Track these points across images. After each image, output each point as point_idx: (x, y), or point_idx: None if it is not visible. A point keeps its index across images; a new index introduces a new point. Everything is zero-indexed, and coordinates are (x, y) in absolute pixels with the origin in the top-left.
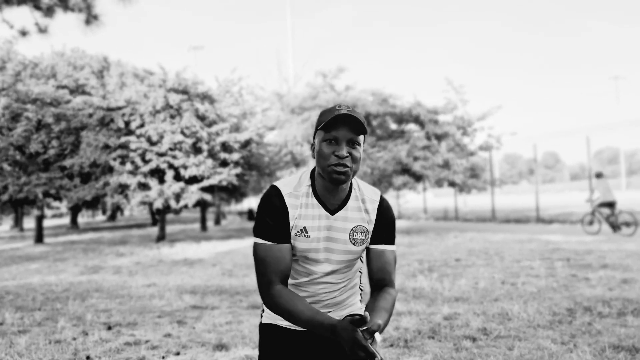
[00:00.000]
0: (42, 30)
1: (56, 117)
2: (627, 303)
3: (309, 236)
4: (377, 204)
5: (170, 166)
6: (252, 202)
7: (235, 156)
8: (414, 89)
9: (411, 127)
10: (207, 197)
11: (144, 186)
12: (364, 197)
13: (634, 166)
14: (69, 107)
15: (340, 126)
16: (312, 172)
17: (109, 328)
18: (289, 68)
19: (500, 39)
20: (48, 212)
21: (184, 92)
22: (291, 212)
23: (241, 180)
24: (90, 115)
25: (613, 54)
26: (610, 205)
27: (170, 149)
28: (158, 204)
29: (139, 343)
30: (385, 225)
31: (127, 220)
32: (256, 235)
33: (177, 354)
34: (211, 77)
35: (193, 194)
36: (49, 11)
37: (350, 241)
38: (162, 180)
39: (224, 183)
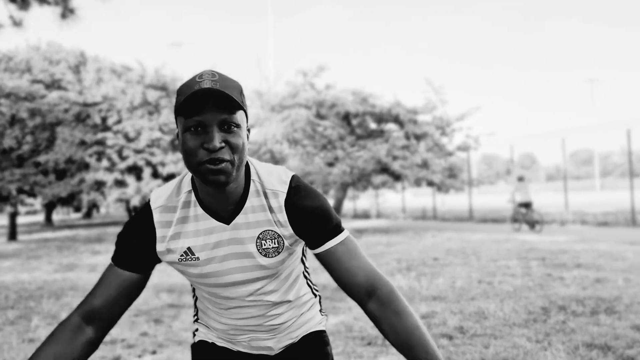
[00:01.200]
0: (17, 24)
1: (31, 112)
2: (600, 302)
3: (198, 258)
4: (284, 196)
5: (148, 163)
6: None
7: None
8: (394, 88)
9: (391, 126)
10: None
11: (120, 183)
12: (265, 189)
13: (608, 167)
14: (44, 102)
15: (204, 105)
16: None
17: None
18: (270, 66)
19: (478, 39)
20: (22, 209)
21: (163, 88)
22: (160, 233)
23: None
24: (66, 111)
25: (589, 55)
26: (527, 205)
27: (148, 146)
28: (135, 201)
29: (114, 342)
30: (310, 220)
31: (103, 218)
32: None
33: (154, 352)
34: (190, 74)
35: None
36: (24, 4)
37: (260, 253)
38: (139, 177)
39: None
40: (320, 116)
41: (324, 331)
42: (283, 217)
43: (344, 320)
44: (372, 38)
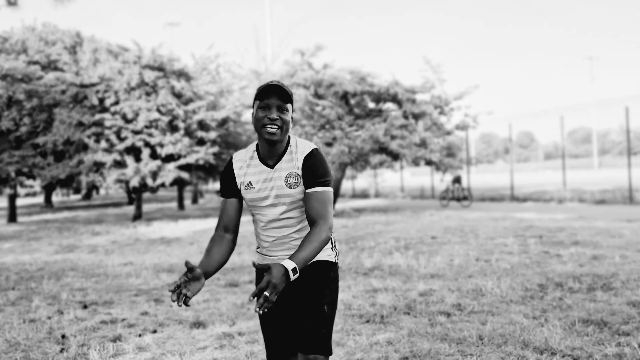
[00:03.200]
0: (12, 3)
1: (28, 93)
2: (597, 279)
3: (254, 188)
4: (306, 153)
5: (147, 144)
6: None
7: (213, 134)
8: (392, 67)
9: (389, 106)
10: (185, 175)
11: (119, 164)
12: (297, 150)
13: (606, 145)
14: (40, 83)
15: (270, 95)
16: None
17: (85, 307)
18: (267, 46)
19: (477, 16)
20: (21, 190)
21: (160, 69)
22: (236, 172)
23: (218, 159)
24: (63, 92)
25: (589, 33)
26: (457, 180)
27: (146, 127)
28: (134, 182)
29: (115, 321)
30: (310, 170)
31: (102, 199)
32: (220, 194)
33: (154, 331)
34: (188, 54)
35: (170, 172)
36: None
37: (286, 185)
38: (138, 159)
39: (201, 162)
40: (318, 96)
41: (331, 261)
42: (300, 163)
43: (342, 298)
44: (370, 15)
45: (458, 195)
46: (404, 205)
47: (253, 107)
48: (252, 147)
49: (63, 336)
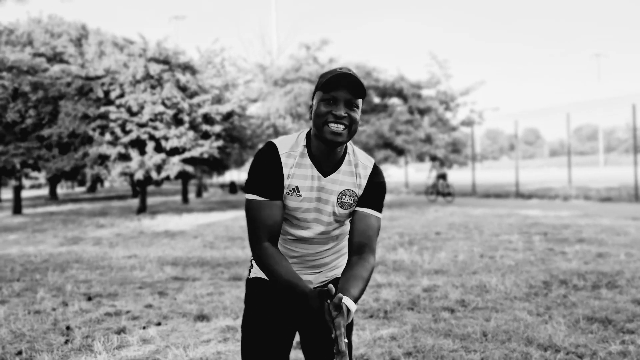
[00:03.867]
0: None
1: (33, 85)
2: (602, 276)
3: (301, 195)
4: (370, 170)
5: (151, 137)
6: (233, 175)
7: (217, 128)
8: (398, 62)
9: (394, 101)
10: (189, 169)
11: (124, 157)
12: (357, 162)
13: (612, 143)
14: (46, 75)
15: (339, 87)
16: (309, 133)
17: (89, 299)
18: (273, 40)
19: (483, 12)
20: (26, 182)
21: (165, 62)
22: (285, 171)
23: (223, 152)
24: (69, 85)
25: (596, 30)
26: (443, 176)
27: (151, 120)
28: (139, 175)
29: (119, 314)
30: (374, 192)
31: (107, 192)
32: (249, 191)
33: (158, 324)
34: (193, 48)
35: (174, 165)
36: None
37: (338, 204)
38: (142, 152)
39: (206, 155)
40: None
41: None
42: (363, 183)
43: None
44: (376, 9)
45: (442, 191)
46: (408, 200)
47: (313, 98)
48: (302, 139)
49: (68, 327)
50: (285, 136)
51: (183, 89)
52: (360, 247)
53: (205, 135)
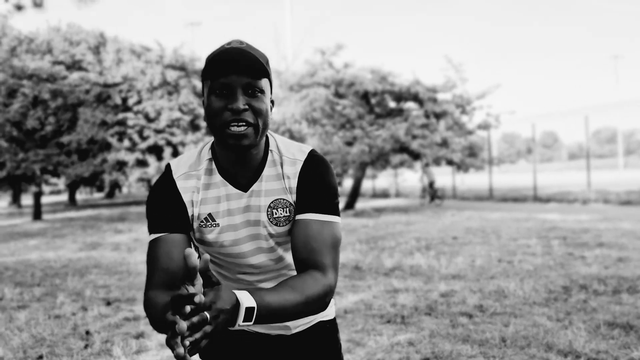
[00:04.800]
0: (38, 4)
1: (53, 93)
2: (622, 281)
3: (218, 224)
4: (300, 164)
5: (168, 143)
6: None
7: None
8: (413, 66)
9: (410, 105)
10: None
11: (142, 163)
12: (282, 159)
13: (631, 146)
14: (65, 83)
15: (229, 69)
16: (214, 143)
17: (108, 304)
18: (287, 45)
19: (501, 16)
20: (46, 188)
21: (182, 68)
22: (186, 197)
23: None
24: (87, 92)
25: (613, 32)
26: (431, 184)
27: (168, 126)
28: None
29: (138, 318)
30: (310, 189)
31: (125, 198)
32: (148, 230)
33: None
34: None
35: None
36: None
37: (271, 221)
38: (160, 157)
39: None
40: (338, 95)
41: (334, 319)
42: (294, 184)
43: (363, 298)
44: (391, 14)
45: (433, 194)
46: (425, 205)
47: (203, 92)
48: (206, 153)
49: (87, 332)
50: (186, 153)
51: (199, 94)
52: (305, 265)
53: None
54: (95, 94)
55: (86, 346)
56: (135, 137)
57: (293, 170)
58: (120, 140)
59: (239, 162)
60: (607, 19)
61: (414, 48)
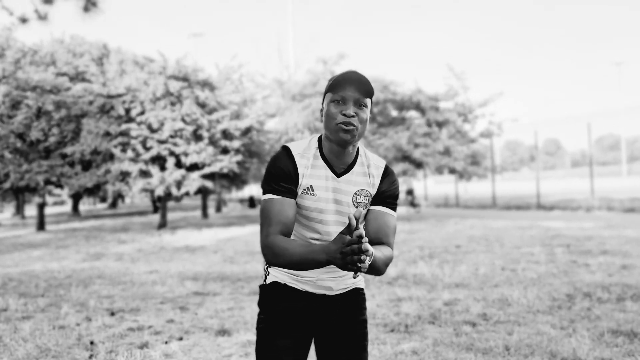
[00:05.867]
0: (42, 17)
1: (56, 104)
2: (626, 289)
3: (316, 194)
4: (382, 169)
5: (171, 153)
6: (252, 190)
7: (236, 144)
8: (415, 74)
9: (412, 114)
10: (209, 184)
11: (145, 173)
12: (369, 162)
13: (635, 153)
14: (69, 94)
15: (347, 87)
16: (320, 137)
17: (112, 314)
18: (290, 55)
19: (501, 23)
20: (49, 199)
21: (184, 79)
22: (300, 170)
23: (242, 167)
24: (91, 103)
25: (617, 38)
26: (410, 192)
27: (171, 136)
28: (159, 191)
29: (142, 328)
30: (387, 191)
31: (128, 208)
32: (264, 192)
33: (180, 339)
34: (211, 64)
35: (194, 181)
36: None
37: (354, 204)
38: (163, 168)
39: (225, 170)
40: None
41: (363, 288)
42: (377, 182)
43: (367, 307)
44: (392, 24)
45: (412, 202)
46: (428, 213)
47: (323, 101)
48: (314, 142)
49: (92, 342)
50: (297, 141)
51: (202, 105)
52: (378, 241)
53: (225, 151)
54: (99, 105)
55: (91, 357)
56: (139, 147)
57: (377, 173)
58: (124, 150)
59: (339, 155)
60: (611, 26)
61: (416, 57)
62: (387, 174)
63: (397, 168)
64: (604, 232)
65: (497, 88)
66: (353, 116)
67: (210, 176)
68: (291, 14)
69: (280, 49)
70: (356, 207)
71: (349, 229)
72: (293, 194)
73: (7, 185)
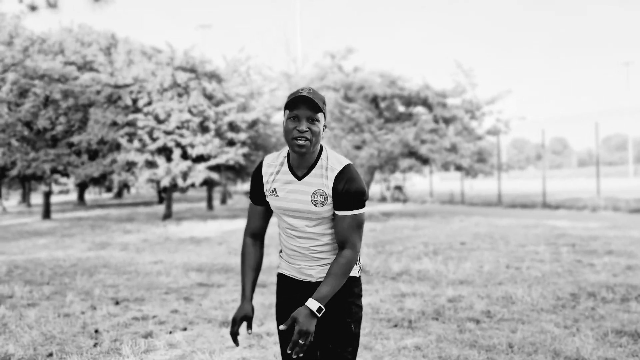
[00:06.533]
0: (52, 5)
1: (64, 93)
2: (631, 289)
3: (278, 195)
4: (338, 171)
5: (178, 145)
6: None
7: (242, 136)
8: (423, 69)
9: (419, 110)
10: (214, 176)
11: (151, 164)
12: (327, 165)
13: None
14: (76, 83)
15: (300, 105)
16: None
17: (117, 303)
18: (297, 48)
19: (509, 20)
20: (55, 188)
21: (192, 70)
22: (265, 178)
23: (248, 160)
24: (98, 92)
25: (624, 38)
26: (399, 187)
27: (178, 128)
28: (165, 182)
29: (146, 318)
30: (341, 193)
31: (133, 198)
32: (249, 196)
33: (184, 329)
34: (219, 56)
35: (200, 172)
36: None
37: (312, 202)
38: (169, 159)
39: (231, 162)
40: (348, 99)
41: (355, 277)
42: (330, 183)
43: (370, 302)
44: (401, 19)
45: (398, 197)
46: (433, 210)
47: (284, 115)
48: (284, 152)
49: (96, 331)
50: (274, 153)
51: (209, 97)
52: (341, 244)
53: (231, 143)
54: (106, 95)
55: (95, 345)
56: (145, 138)
57: (331, 175)
58: (130, 141)
59: (300, 160)
60: (619, 26)
61: (424, 52)
62: (342, 174)
63: (403, 164)
64: (610, 232)
65: (505, 86)
66: (306, 131)
67: (216, 168)
68: (299, 7)
69: (288, 42)
70: (314, 205)
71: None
72: (261, 201)
73: (13, 173)
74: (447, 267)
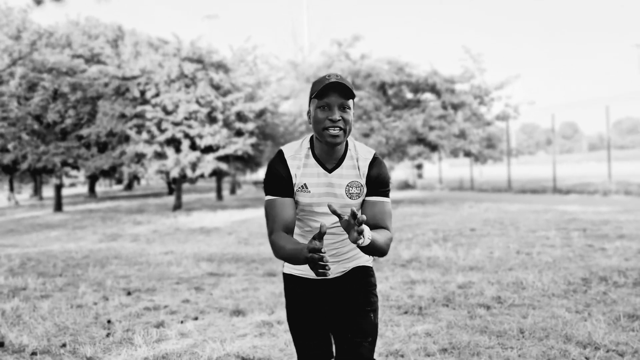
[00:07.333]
0: None
1: (72, 86)
2: None
3: (310, 191)
4: (370, 160)
5: (186, 135)
6: None
7: (250, 126)
8: (430, 56)
9: (427, 96)
10: (223, 166)
11: (160, 155)
12: (358, 156)
13: None
14: (84, 76)
15: (331, 93)
16: (312, 137)
17: (129, 293)
18: (304, 37)
19: (518, 7)
20: (66, 180)
21: (199, 61)
22: (292, 171)
23: (256, 149)
24: (106, 85)
25: (637, 20)
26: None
27: (186, 119)
28: (174, 173)
29: (158, 308)
30: (375, 179)
31: (143, 190)
32: (265, 193)
33: (196, 318)
34: (226, 46)
35: (209, 163)
36: None
37: (347, 195)
38: (178, 150)
39: (239, 152)
40: (355, 86)
41: (370, 267)
42: (365, 171)
43: (380, 289)
44: (408, 5)
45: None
46: (442, 196)
47: (309, 105)
48: (306, 143)
49: (109, 321)
50: (291, 142)
51: (216, 87)
52: (377, 227)
53: (239, 133)
54: (114, 87)
55: (108, 335)
56: (154, 129)
57: (364, 164)
58: (139, 132)
59: (330, 152)
60: (631, 8)
61: (431, 41)
62: (374, 163)
63: (412, 151)
64: (621, 216)
65: (514, 71)
66: (339, 120)
67: (224, 158)
68: None
69: (295, 31)
70: (349, 198)
71: (319, 235)
72: (290, 193)
73: (24, 166)
74: (457, 254)
